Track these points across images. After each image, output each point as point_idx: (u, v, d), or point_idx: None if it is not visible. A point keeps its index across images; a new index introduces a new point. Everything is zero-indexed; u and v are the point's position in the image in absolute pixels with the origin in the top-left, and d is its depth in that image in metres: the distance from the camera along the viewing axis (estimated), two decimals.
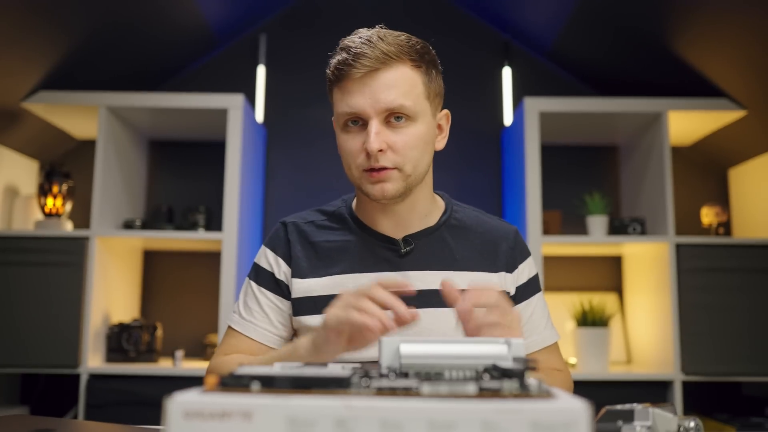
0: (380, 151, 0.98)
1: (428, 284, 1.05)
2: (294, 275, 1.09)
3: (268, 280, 1.10)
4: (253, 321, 1.09)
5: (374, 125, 0.98)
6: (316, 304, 1.06)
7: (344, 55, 0.99)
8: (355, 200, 1.15)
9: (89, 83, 2.29)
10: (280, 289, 1.10)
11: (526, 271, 1.12)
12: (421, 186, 1.06)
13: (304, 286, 1.07)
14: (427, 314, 1.04)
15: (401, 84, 0.99)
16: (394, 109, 0.98)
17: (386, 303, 0.82)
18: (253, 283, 1.11)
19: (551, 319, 1.15)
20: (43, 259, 2.11)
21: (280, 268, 1.10)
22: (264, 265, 1.12)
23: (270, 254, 1.12)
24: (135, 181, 2.51)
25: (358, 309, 0.81)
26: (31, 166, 2.48)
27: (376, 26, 1.03)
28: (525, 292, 1.11)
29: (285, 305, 1.09)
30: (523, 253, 1.13)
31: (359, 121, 1.00)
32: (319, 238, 1.10)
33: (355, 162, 1.01)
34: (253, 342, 1.08)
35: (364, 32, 1.02)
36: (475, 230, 1.12)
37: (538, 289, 1.13)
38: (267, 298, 1.09)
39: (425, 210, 1.09)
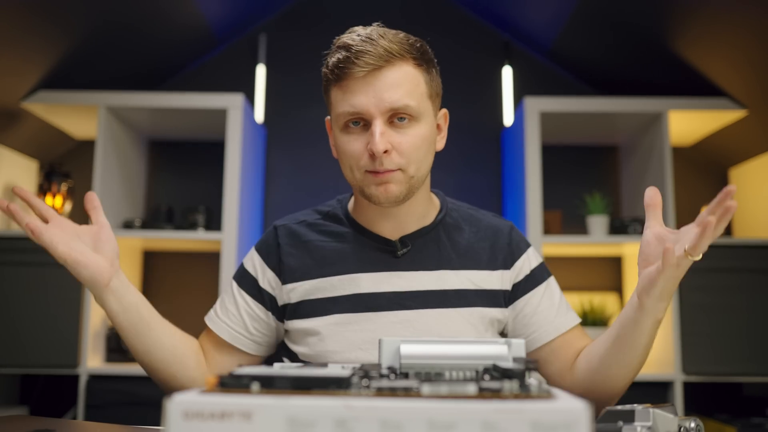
0: (385, 152, 0.94)
1: (424, 285, 1.04)
2: (286, 281, 1.06)
3: (251, 285, 1.08)
4: (227, 322, 1.07)
5: (378, 125, 0.94)
6: (312, 306, 1.04)
7: (344, 53, 0.95)
8: (351, 201, 1.12)
9: (89, 83, 2.29)
10: (261, 297, 1.07)
11: (526, 264, 1.10)
12: (421, 187, 1.04)
13: (298, 291, 1.05)
14: (423, 315, 1.02)
15: (405, 83, 0.96)
16: (399, 109, 0.95)
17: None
18: (235, 284, 1.09)
19: (568, 304, 1.11)
20: (42, 259, 2.10)
21: (266, 276, 1.08)
22: (249, 269, 1.09)
23: (257, 259, 1.09)
24: (134, 181, 2.51)
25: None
26: (31, 166, 2.48)
27: (373, 24, 1.00)
28: (526, 285, 1.08)
29: (264, 313, 1.08)
30: (520, 247, 1.10)
31: (360, 122, 0.97)
32: (312, 238, 1.08)
33: (357, 164, 0.97)
34: (223, 341, 1.07)
35: (361, 30, 0.98)
36: (470, 228, 1.10)
37: (543, 279, 1.09)
38: (246, 302, 1.07)
39: (423, 211, 1.07)
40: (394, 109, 0.95)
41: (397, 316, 1.02)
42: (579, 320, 1.09)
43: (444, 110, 1.07)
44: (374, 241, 1.06)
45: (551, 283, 1.11)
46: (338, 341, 1.02)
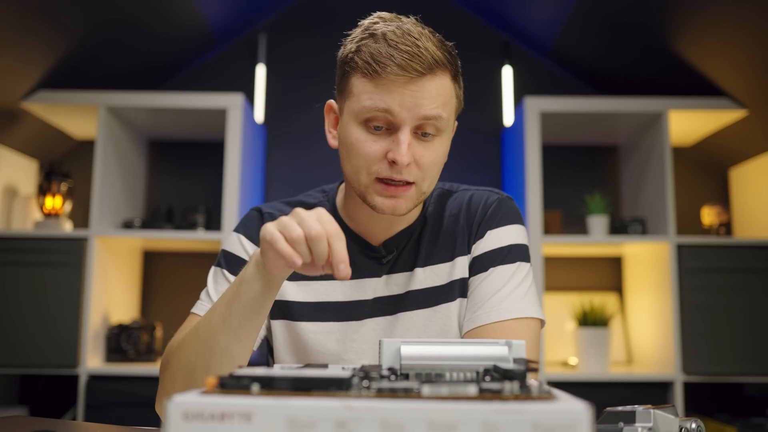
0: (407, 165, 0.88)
1: (412, 285, 0.99)
2: None
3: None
4: None
5: (406, 135, 0.87)
6: (290, 309, 0.99)
7: (384, 46, 0.86)
8: (340, 195, 1.04)
9: (88, 83, 2.29)
10: None
11: (491, 240, 0.99)
12: None
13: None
14: (416, 315, 0.98)
15: (442, 95, 0.89)
16: (432, 120, 0.88)
17: (321, 245, 0.73)
18: (225, 272, 0.98)
19: (530, 299, 0.95)
20: (42, 259, 2.10)
21: None
22: (239, 252, 0.99)
23: (246, 241, 1.00)
24: (134, 181, 2.51)
25: (288, 238, 0.73)
26: (31, 166, 2.48)
27: (410, 16, 0.91)
28: (483, 263, 0.97)
29: None
30: (490, 222, 1.00)
31: (383, 126, 0.88)
32: None
33: (369, 168, 0.89)
34: None
35: (395, 21, 0.89)
36: (454, 214, 1.02)
37: (507, 261, 0.97)
38: None
39: (414, 212, 1.01)
40: (427, 119, 0.88)
41: (378, 323, 0.98)
42: (531, 315, 0.94)
43: (455, 122, 1.00)
44: (360, 246, 1.00)
45: (514, 270, 0.97)
46: (321, 348, 0.98)
